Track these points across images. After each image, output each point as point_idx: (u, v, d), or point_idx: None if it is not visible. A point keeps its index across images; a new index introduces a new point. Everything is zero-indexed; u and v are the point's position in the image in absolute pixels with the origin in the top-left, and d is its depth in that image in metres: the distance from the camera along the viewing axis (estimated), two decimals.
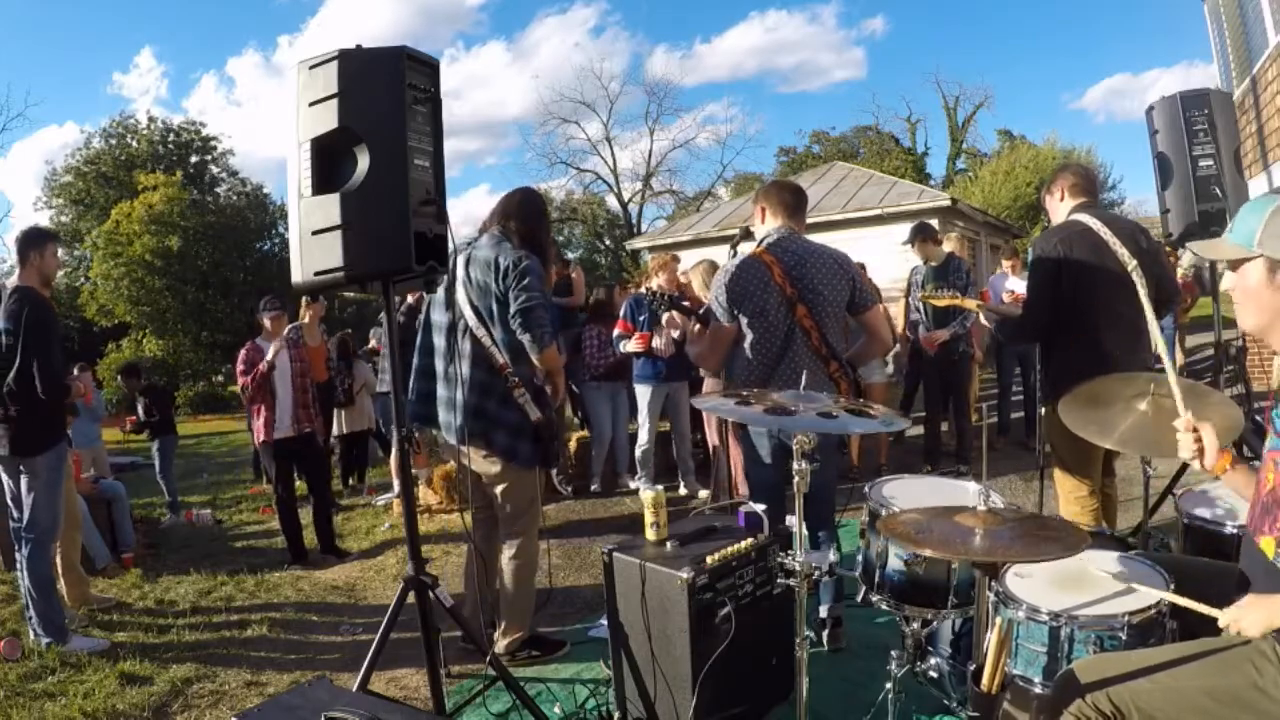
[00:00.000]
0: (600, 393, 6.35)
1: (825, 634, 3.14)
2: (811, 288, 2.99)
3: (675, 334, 5.40)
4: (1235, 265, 1.67)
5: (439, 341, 3.22)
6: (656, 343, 5.52)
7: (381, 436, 8.01)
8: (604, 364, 6.17)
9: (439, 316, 3.22)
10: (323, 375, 6.82)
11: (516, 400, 3.10)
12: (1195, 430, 1.78)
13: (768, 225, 3.15)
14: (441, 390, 3.21)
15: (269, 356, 5.18)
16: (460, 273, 3.13)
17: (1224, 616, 1.58)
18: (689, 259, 7.95)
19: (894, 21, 51.81)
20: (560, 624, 3.82)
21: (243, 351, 5.35)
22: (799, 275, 2.98)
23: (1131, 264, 3.03)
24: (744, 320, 3.02)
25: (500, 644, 3.31)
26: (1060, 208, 3.30)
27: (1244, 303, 1.68)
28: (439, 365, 3.22)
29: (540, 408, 3.15)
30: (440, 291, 3.13)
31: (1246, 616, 1.53)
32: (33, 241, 3.83)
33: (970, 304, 3.94)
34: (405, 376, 3.34)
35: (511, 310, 3.03)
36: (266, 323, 5.39)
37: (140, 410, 7.06)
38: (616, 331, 5.72)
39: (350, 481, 8.01)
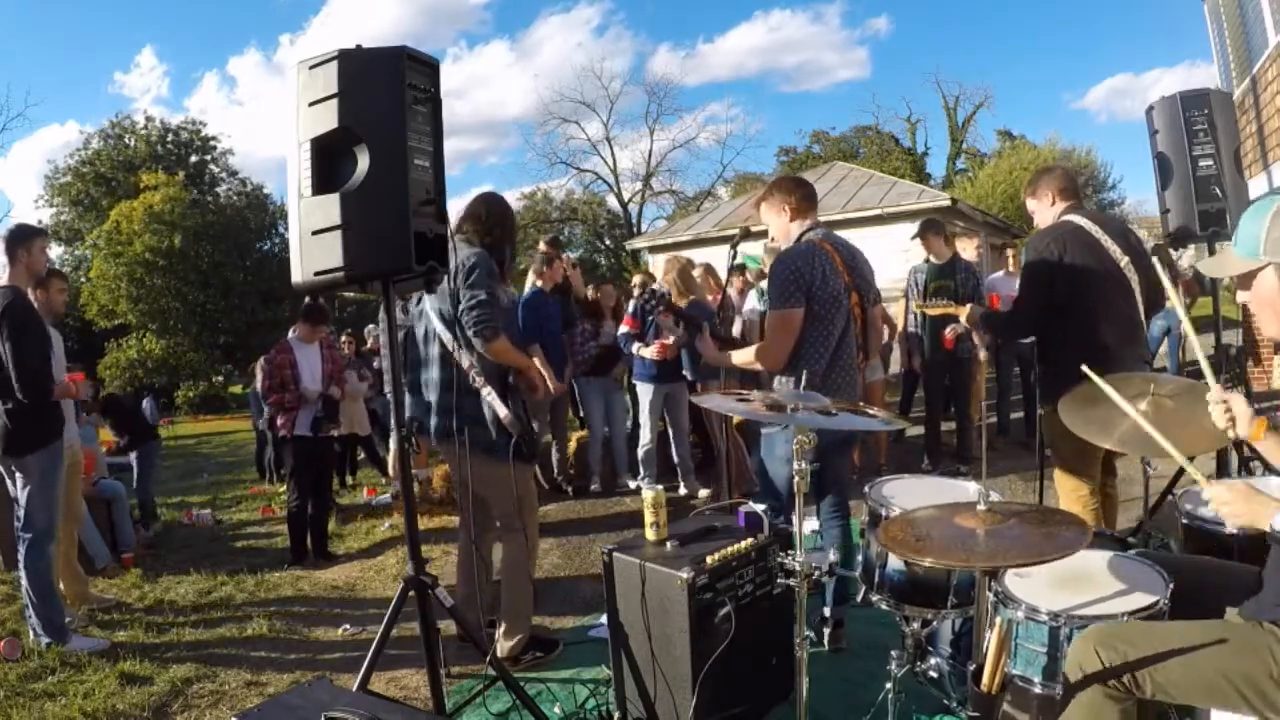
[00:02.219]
0: (592, 388, 6.35)
1: (826, 634, 3.14)
2: (863, 275, 3.10)
3: (672, 339, 5.43)
4: (1245, 281, 1.63)
5: (413, 352, 3.30)
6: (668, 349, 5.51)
7: (370, 442, 7.98)
8: (586, 357, 6.19)
9: (417, 329, 3.30)
10: None
11: (484, 397, 3.13)
12: (1225, 400, 1.78)
13: (797, 222, 3.11)
14: (422, 396, 3.28)
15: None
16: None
17: (1209, 491, 1.65)
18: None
19: (897, 21, 51.92)
20: (560, 624, 3.82)
21: (272, 353, 5.40)
22: (852, 265, 3.07)
23: (1124, 260, 3.07)
24: (815, 306, 2.94)
25: (504, 647, 3.30)
26: (1050, 212, 3.31)
27: (1261, 312, 1.65)
28: (420, 375, 3.29)
29: (510, 404, 3.16)
30: (414, 308, 3.26)
31: (1233, 502, 1.60)
32: (20, 239, 3.81)
33: (961, 311, 3.91)
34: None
35: (462, 308, 3.09)
36: (299, 330, 5.51)
37: (111, 431, 6.87)
38: (623, 329, 5.70)
39: (348, 482, 8.04)
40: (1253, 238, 1.60)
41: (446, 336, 3.14)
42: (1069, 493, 3.20)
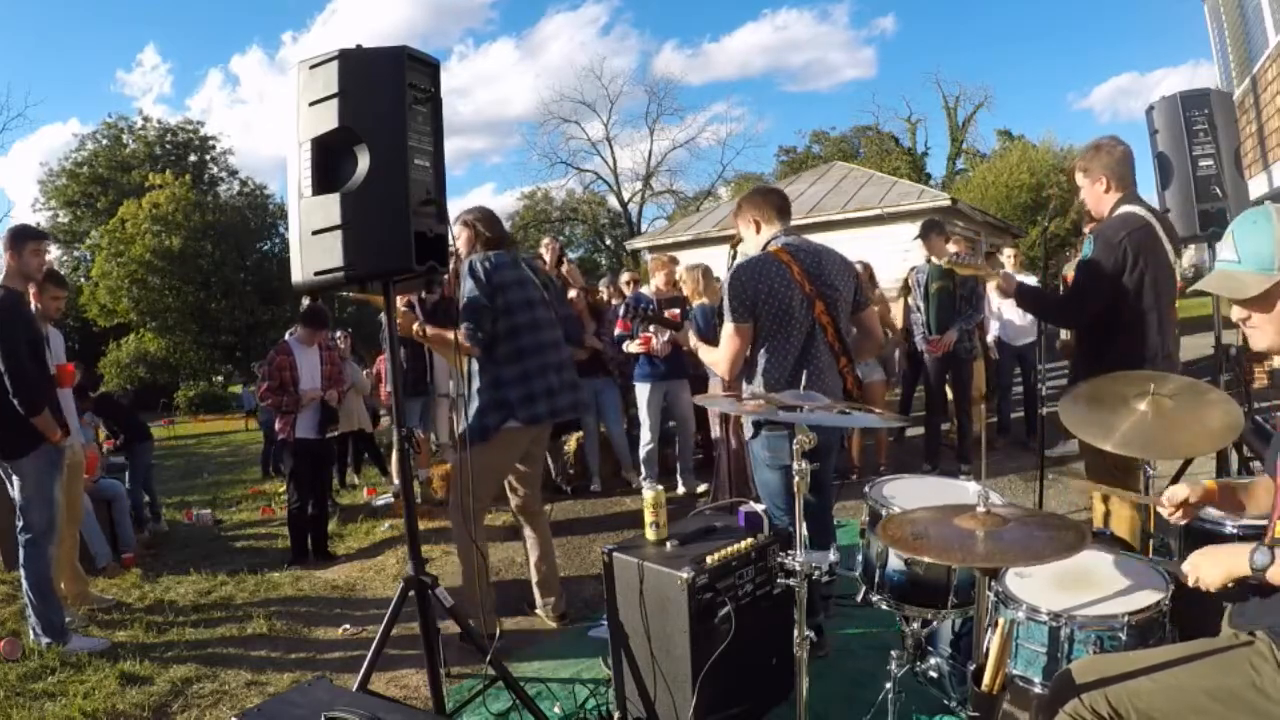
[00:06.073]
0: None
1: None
2: (829, 283, 3.01)
3: (666, 335, 5.51)
4: (1266, 303, 1.58)
5: (548, 335, 3.54)
6: (654, 343, 5.59)
7: (372, 441, 7.96)
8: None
9: (544, 313, 3.54)
10: None
11: None
12: (1180, 506, 1.88)
13: (765, 233, 3.12)
14: (556, 379, 3.54)
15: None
16: (530, 275, 3.56)
17: (1185, 566, 1.67)
18: (689, 259, 7.98)
19: (903, 21, 51.95)
20: (560, 623, 3.82)
21: (272, 353, 5.41)
22: (816, 273, 2.99)
23: (1173, 259, 3.01)
24: (765, 320, 2.96)
25: (553, 616, 3.72)
26: (1103, 196, 3.08)
27: (1264, 326, 1.61)
28: (553, 357, 3.56)
29: None
30: (531, 290, 3.52)
31: (1204, 567, 1.62)
32: (20, 238, 3.82)
33: (993, 277, 3.74)
34: (404, 377, 3.40)
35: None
36: (299, 332, 5.52)
37: (104, 431, 6.81)
38: (617, 331, 5.77)
39: (349, 481, 8.04)
40: (1262, 253, 1.54)
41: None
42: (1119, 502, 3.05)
